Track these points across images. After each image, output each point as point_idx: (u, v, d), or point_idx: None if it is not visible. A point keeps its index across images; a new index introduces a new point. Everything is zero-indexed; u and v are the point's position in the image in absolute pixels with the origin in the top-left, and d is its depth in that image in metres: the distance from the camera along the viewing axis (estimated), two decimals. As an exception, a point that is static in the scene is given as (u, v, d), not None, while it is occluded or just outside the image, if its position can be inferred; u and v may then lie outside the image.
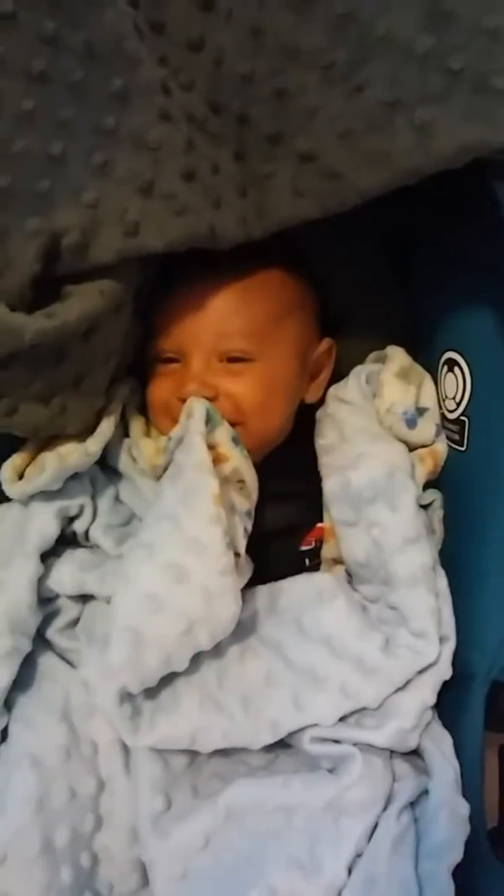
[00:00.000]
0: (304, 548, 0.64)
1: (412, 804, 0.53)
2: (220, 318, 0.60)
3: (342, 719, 0.53)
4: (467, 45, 0.41)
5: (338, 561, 0.63)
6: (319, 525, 0.64)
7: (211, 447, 0.53)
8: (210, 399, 0.58)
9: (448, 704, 0.57)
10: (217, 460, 0.53)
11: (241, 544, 0.54)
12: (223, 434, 0.55)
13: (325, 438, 0.65)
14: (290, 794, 0.50)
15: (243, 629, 0.54)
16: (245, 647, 0.54)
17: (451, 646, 0.56)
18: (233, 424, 0.58)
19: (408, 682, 0.55)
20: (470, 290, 0.59)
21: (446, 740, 0.56)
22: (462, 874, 0.50)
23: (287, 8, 0.46)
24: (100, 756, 0.53)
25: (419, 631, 0.55)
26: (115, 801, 0.52)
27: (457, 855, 0.51)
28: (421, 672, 0.55)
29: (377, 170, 0.45)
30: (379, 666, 0.54)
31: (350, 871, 0.48)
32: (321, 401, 0.68)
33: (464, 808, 0.52)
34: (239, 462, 0.55)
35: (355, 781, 0.50)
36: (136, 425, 0.63)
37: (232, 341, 0.60)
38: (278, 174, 0.51)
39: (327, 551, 0.64)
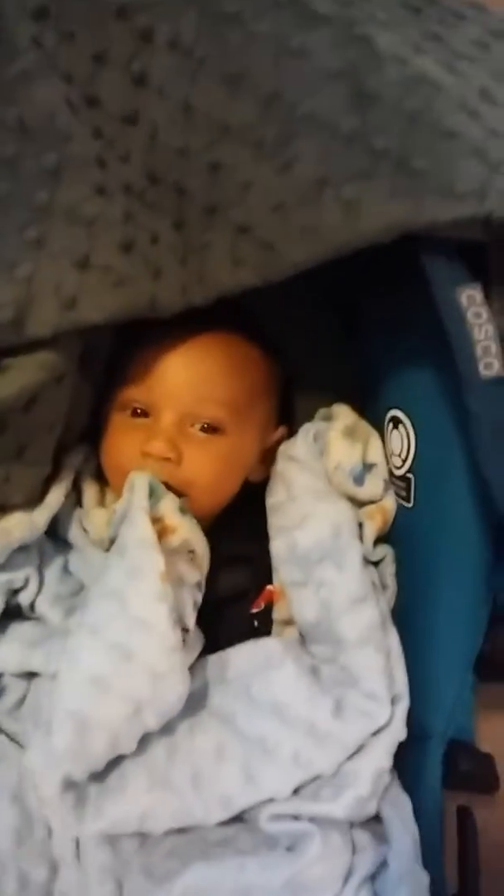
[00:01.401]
0: (253, 610, 0.63)
1: (372, 876, 0.52)
2: (203, 382, 0.60)
3: (297, 792, 0.52)
4: (389, 126, 0.42)
5: (289, 622, 0.63)
6: (269, 587, 0.63)
7: (156, 520, 0.53)
8: (170, 461, 0.58)
9: (406, 766, 0.56)
10: (164, 532, 0.53)
11: (191, 618, 0.53)
12: (169, 505, 0.55)
13: (274, 497, 0.65)
14: (246, 877, 0.49)
15: (193, 702, 0.53)
16: (195, 720, 0.53)
17: (404, 706, 0.55)
18: (177, 494, 0.57)
19: (362, 747, 0.54)
20: (411, 350, 0.60)
21: (405, 805, 0.55)
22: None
23: (218, 85, 0.47)
24: (53, 839, 0.51)
25: (369, 692, 0.54)
26: (68, 888, 0.50)
27: None
28: (374, 734, 0.54)
29: (308, 244, 0.45)
30: (330, 731, 0.53)
31: None
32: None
33: (424, 878, 0.52)
34: (188, 532, 0.55)
35: (314, 860, 0.49)
36: (90, 494, 0.62)
37: (209, 408, 0.60)
38: (216, 243, 0.51)
39: (278, 613, 0.63)
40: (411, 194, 0.41)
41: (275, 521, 0.64)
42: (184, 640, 0.50)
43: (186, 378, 0.60)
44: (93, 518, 0.60)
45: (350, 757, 0.53)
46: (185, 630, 0.51)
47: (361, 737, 0.53)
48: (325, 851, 0.50)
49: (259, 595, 0.64)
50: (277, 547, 0.62)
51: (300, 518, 0.61)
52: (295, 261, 0.47)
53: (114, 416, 0.62)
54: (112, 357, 0.62)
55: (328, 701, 0.54)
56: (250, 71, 0.45)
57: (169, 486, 0.58)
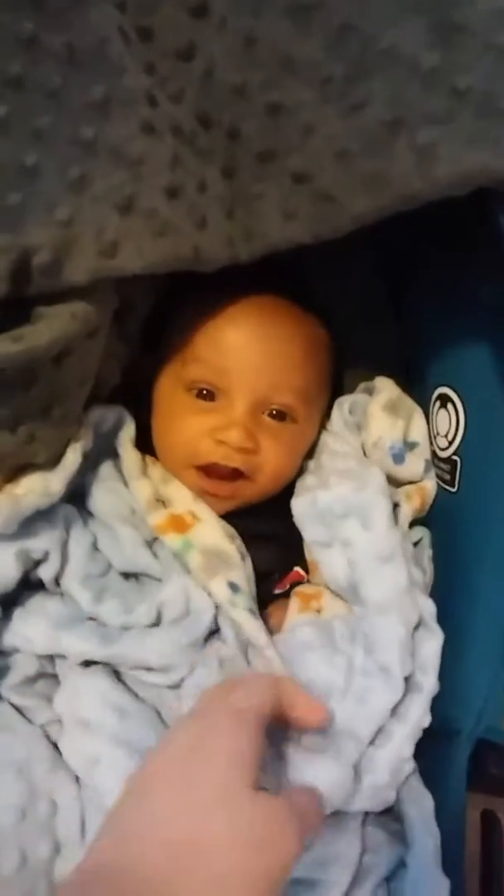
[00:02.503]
0: (277, 591, 0.61)
1: (387, 878, 0.50)
2: (281, 370, 0.57)
3: None
4: (476, 63, 0.38)
5: (310, 599, 0.60)
6: (297, 569, 0.61)
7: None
8: (247, 452, 0.56)
9: (431, 762, 0.53)
10: None
11: None
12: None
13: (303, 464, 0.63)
14: None
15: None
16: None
17: (427, 692, 0.52)
18: (239, 476, 0.57)
19: (379, 734, 0.51)
20: (467, 326, 0.56)
21: (428, 804, 0.52)
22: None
23: (284, 17, 0.43)
24: (58, 817, 0.49)
25: (382, 664, 0.51)
26: (69, 865, 0.47)
27: None
28: (394, 723, 0.51)
29: (373, 194, 0.42)
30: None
31: None
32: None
33: (444, 884, 0.49)
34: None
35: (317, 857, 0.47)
36: (130, 460, 0.59)
37: (284, 396, 0.58)
38: (268, 194, 0.47)
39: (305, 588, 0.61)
40: (493, 140, 0.37)
41: (299, 484, 0.61)
42: None
43: (265, 364, 0.57)
44: (136, 490, 0.58)
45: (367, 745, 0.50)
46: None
47: (369, 714, 0.50)
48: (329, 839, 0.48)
49: (285, 577, 0.61)
50: (299, 504, 0.59)
51: (325, 477, 0.59)
52: (356, 213, 0.43)
53: (176, 393, 0.59)
54: (161, 321, 0.60)
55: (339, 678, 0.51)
56: (323, 0, 0.41)
57: (238, 472, 0.57)
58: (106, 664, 0.52)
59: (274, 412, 0.58)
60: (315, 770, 0.47)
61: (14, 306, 0.46)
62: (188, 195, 0.48)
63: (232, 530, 0.58)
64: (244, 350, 0.56)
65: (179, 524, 0.56)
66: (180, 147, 0.48)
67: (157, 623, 0.53)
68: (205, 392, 0.58)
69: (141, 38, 0.47)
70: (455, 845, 0.52)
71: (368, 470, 0.58)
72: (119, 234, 0.45)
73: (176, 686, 0.51)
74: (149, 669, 0.51)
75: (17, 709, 0.52)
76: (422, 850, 0.50)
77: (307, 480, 0.61)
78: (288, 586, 0.61)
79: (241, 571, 0.55)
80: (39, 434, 0.51)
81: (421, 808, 0.52)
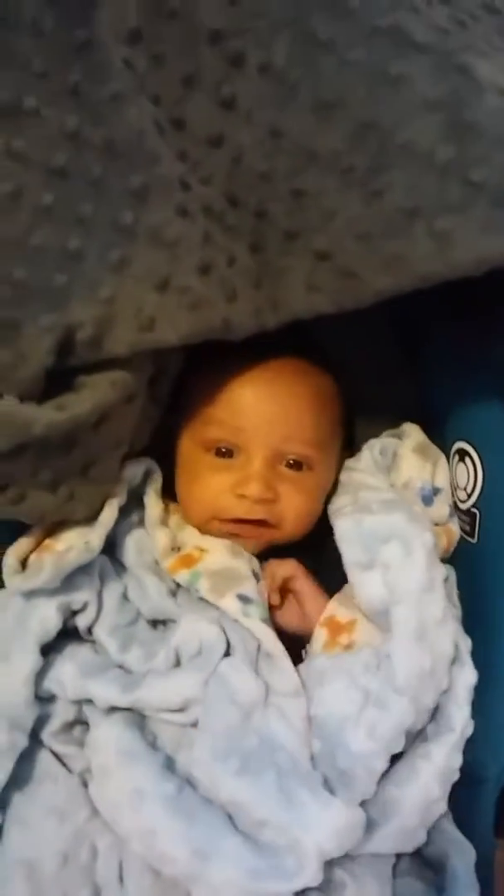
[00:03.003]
0: None
1: None
2: (293, 422, 0.60)
3: None
4: (488, 157, 0.41)
5: (341, 632, 0.59)
6: (334, 600, 0.60)
7: None
8: (267, 503, 0.59)
9: (461, 808, 0.54)
10: None
11: None
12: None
13: (338, 503, 0.63)
14: None
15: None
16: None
17: (457, 735, 0.53)
18: (264, 523, 0.59)
19: (406, 774, 0.51)
20: (481, 382, 0.59)
21: (469, 854, 0.52)
22: None
23: (308, 112, 0.46)
24: (98, 862, 0.50)
25: (398, 689, 0.51)
26: None
27: None
28: (420, 761, 0.52)
29: (394, 273, 0.45)
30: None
31: None
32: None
33: None
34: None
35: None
36: (153, 511, 0.61)
37: (298, 447, 0.61)
38: (294, 269, 0.51)
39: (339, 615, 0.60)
40: (507, 229, 0.40)
41: (337, 515, 0.61)
42: None
43: (276, 418, 0.60)
44: (155, 538, 0.60)
45: (393, 786, 0.51)
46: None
47: (381, 733, 0.50)
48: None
49: None
50: (343, 524, 0.59)
51: (368, 506, 0.59)
52: (378, 289, 0.46)
53: (196, 453, 0.62)
54: (181, 383, 0.62)
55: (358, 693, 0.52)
56: (344, 99, 0.44)
57: (263, 523, 0.60)
58: (131, 710, 0.53)
59: (291, 462, 0.61)
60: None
61: (57, 375, 0.49)
62: (219, 270, 0.51)
63: (239, 548, 0.60)
64: (256, 407, 0.60)
65: (188, 561, 0.58)
66: (211, 225, 0.51)
67: (176, 665, 0.54)
68: (223, 450, 0.61)
69: (174, 128, 0.50)
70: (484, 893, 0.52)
71: (412, 504, 0.60)
72: (156, 310, 0.48)
73: (195, 724, 0.52)
74: (171, 711, 0.53)
75: (57, 756, 0.54)
76: None
77: (346, 509, 0.61)
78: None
79: (252, 584, 0.57)
80: (78, 493, 0.54)
81: (464, 859, 0.52)
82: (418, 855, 0.53)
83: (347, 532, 0.59)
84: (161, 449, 0.64)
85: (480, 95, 0.41)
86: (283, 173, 0.48)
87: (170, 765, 0.50)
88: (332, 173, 0.46)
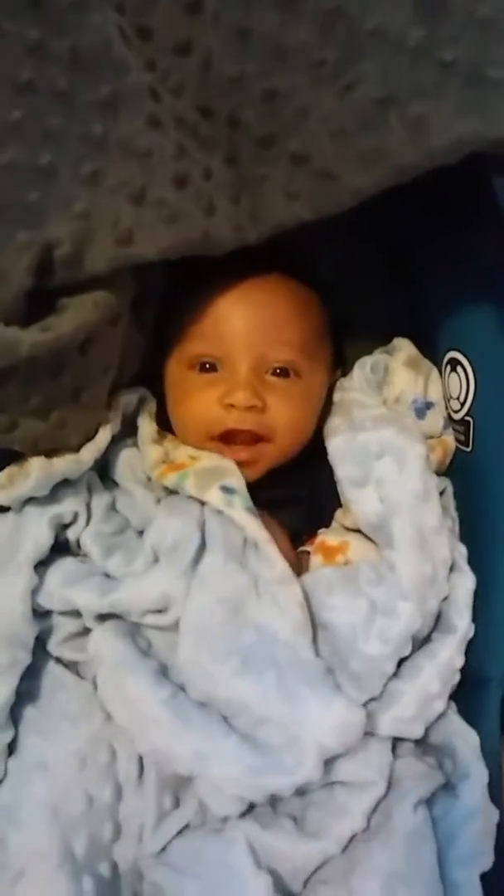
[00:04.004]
0: (303, 548, 0.62)
1: (428, 801, 0.51)
2: (273, 327, 0.59)
3: None
4: (460, 35, 0.40)
5: (336, 553, 0.61)
6: (321, 538, 0.62)
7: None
8: (256, 411, 0.58)
9: (465, 709, 0.56)
10: None
11: None
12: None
13: (332, 423, 0.64)
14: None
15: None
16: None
17: (459, 637, 0.54)
18: (259, 440, 0.59)
19: (410, 670, 0.53)
20: (471, 289, 0.58)
21: (473, 738, 0.54)
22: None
23: (274, 7, 0.45)
24: (118, 762, 0.52)
25: (403, 594, 0.53)
26: (130, 808, 0.51)
27: (487, 861, 0.51)
28: (422, 658, 0.54)
29: (371, 169, 0.44)
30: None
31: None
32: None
33: (494, 814, 0.52)
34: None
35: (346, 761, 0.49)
36: (146, 430, 0.62)
37: (283, 352, 0.60)
38: (271, 177, 0.50)
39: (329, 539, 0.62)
40: (482, 108, 0.39)
41: (332, 434, 0.62)
42: None
43: (256, 324, 0.59)
44: (146, 453, 0.60)
45: (395, 679, 0.53)
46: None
47: (392, 650, 0.52)
48: (356, 756, 0.50)
49: (309, 540, 0.63)
50: (335, 443, 0.60)
51: (361, 423, 0.60)
52: (356, 188, 0.45)
53: (182, 373, 0.62)
54: (166, 309, 0.62)
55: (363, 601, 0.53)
56: (309, -12, 0.43)
57: (255, 434, 0.59)
58: (121, 617, 0.54)
59: (277, 370, 0.60)
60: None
61: (39, 299, 0.49)
62: (195, 183, 0.50)
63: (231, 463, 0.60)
64: (235, 314, 0.59)
65: (177, 466, 0.58)
66: (184, 138, 0.50)
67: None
68: (207, 365, 0.60)
69: (140, 37, 0.49)
70: (490, 790, 0.53)
71: (402, 417, 0.61)
72: (133, 222, 0.48)
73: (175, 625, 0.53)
74: (157, 612, 0.53)
75: (68, 665, 0.55)
76: (477, 780, 0.52)
77: (341, 428, 0.62)
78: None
79: (236, 476, 0.57)
80: (70, 419, 0.54)
81: (469, 740, 0.54)
82: (421, 742, 0.54)
83: (339, 449, 0.59)
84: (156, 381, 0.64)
85: (449, -28, 0.40)
86: (254, 75, 0.47)
87: (164, 671, 0.51)
88: (302, 69, 0.45)
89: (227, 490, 0.55)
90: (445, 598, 0.56)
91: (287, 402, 0.60)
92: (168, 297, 0.62)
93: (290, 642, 0.50)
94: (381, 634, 0.52)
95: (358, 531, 0.61)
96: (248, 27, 0.46)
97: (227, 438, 0.60)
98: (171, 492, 0.59)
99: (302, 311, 0.62)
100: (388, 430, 0.58)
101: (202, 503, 0.56)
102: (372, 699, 0.51)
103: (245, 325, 0.59)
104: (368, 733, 0.50)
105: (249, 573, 0.53)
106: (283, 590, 0.52)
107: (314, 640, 0.52)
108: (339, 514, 0.63)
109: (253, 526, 0.53)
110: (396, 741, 0.53)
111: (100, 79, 0.47)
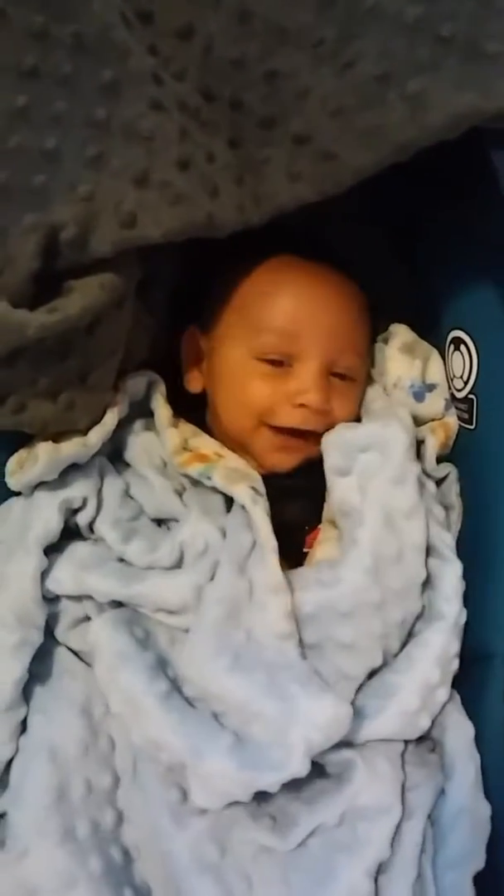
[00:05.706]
0: (305, 550, 0.62)
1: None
2: (345, 333, 0.61)
3: None
4: (457, 11, 0.40)
5: None
6: (320, 527, 0.62)
7: None
8: (324, 414, 0.60)
9: (468, 687, 0.56)
10: None
11: None
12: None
13: None
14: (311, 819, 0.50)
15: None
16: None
17: (449, 623, 0.55)
18: (312, 436, 0.60)
19: (404, 662, 0.54)
20: (473, 268, 0.58)
21: (468, 730, 0.55)
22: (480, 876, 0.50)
23: (274, -12, 0.46)
24: (116, 753, 0.53)
25: (367, 568, 0.54)
26: (131, 798, 0.51)
27: (479, 862, 0.51)
28: (413, 647, 0.54)
29: (371, 147, 0.45)
30: None
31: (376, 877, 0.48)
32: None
33: (485, 810, 0.52)
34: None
35: (362, 787, 0.50)
36: (163, 412, 0.62)
37: (350, 358, 0.62)
38: (273, 159, 0.51)
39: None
40: (480, 82, 0.40)
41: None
42: None
43: (332, 330, 0.61)
44: (167, 436, 0.60)
45: (392, 671, 0.53)
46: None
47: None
48: (371, 777, 0.50)
49: (314, 530, 0.63)
50: (328, 435, 0.60)
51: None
52: (357, 167, 0.46)
53: (244, 359, 0.61)
54: (199, 284, 0.63)
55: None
56: (308, -32, 0.44)
57: (311, 435, 0.60)
58: (125, 606, 0.55)
59: (340, 373, 0.62)
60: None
61: (46, 281, 0.50)
62: (198, 166, 0.51)
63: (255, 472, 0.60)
64: (314, 316, 0.60)
65: (204, 458, 0.59)
66: (187, 121, 0.51)
67: (179, 565, 0.56)
68: (274, 359, 0.61)
69: (142, 22, 0.50)
70: (496, 765, 0.54)
71: (395, 409, 0.61)
72: (136, 205, 0.48)
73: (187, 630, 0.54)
74: (169, 612, 0.54)
75: (76, 653, 0.56)
76: (464, 778, 0.52)
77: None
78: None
79: (260, 484, 0.57)
80: (79, 401, 0.55)
81: (460, 735, 0.54)
82: (421, 740, 0.55)
83: (331, 441, 0.60)
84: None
85: None
86: (255, 57, 0.48)
87: (162, 665, 0.52)
88: (303, 50, 0.46)
89: (255, 490, 0.56)
90: (428, 586, 0.56)
91: (346, 405, 0.62)
92: (198, 272, 0.63)
93: (277, 647, 0.51)
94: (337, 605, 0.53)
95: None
96: (248, 9, 0.47)
97: (282, 429, 0.61)
98: (192, 481, 0.59)
99: (365, 316, 0.64)
100: (377, 423, 0.59)
101: (225, 498, 0.57)
102: (370, 697, 0.52)
103: (322, 329, 0.60)
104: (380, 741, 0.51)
105: (247, 578, 0.54)
106: (273, 599, 0.52)
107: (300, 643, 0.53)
108: (325, 507, 0.64)
109: (266, 531, 0.54)
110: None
111: (103, 63, 0.48)
